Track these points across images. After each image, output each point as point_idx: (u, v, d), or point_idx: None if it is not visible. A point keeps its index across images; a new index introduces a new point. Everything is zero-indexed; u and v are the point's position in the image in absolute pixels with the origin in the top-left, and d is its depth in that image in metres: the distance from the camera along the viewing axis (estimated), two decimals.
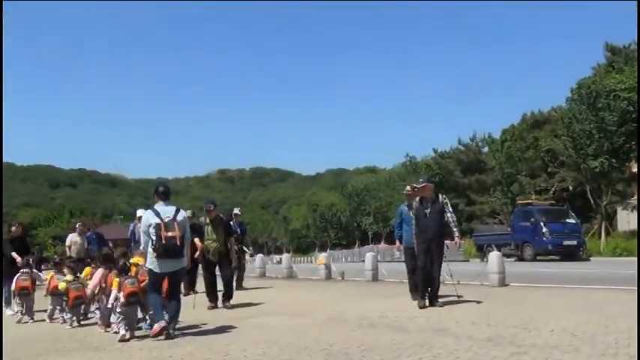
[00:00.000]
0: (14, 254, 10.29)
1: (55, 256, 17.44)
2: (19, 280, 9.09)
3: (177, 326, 6.78)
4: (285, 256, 19.56)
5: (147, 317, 7.08)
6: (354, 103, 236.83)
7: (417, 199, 8.23)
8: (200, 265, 10.32)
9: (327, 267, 15.94)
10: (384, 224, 61.43)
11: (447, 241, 8.43)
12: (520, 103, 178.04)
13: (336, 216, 76.03)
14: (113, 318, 7.03)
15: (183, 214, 6.78)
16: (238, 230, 12.48)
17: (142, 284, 6.86)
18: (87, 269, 8.52)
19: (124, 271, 7.06)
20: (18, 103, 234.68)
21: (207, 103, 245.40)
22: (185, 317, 7.89)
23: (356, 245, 60.89)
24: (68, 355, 5.89)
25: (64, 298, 8.19)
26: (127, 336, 6.56)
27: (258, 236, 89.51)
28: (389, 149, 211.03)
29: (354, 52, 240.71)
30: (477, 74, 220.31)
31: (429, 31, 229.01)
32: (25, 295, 9.10)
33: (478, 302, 8.41)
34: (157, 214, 6.58)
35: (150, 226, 6.55)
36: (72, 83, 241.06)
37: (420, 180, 8.61)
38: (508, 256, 22.32)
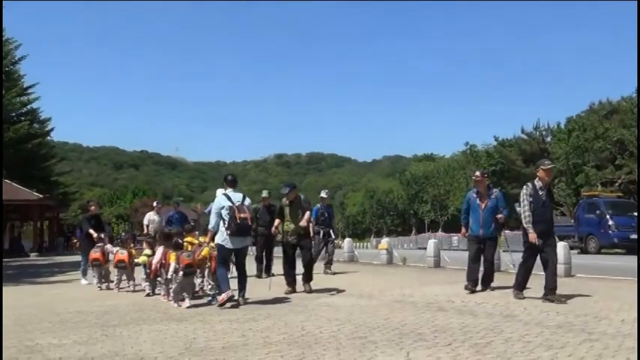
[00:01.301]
0: (91, 230, 11.52)
1: (122, 233, 18.40)
2: (92, 253, 10.60)
3: (253, 302, 7.16)
4: (346, 241, 19.82)
5: (209, 289, 8.40)
6: (412, 89, 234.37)
7: (536, 184, 7.46)
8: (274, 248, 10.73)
9: (389, 252, 16.12)
10: (442, 212, 61.01)
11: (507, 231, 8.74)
12: (586, 91, 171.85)
13: (393, 203, 75.84)
14: (172, 287, 7.88)
15: (249, 200, 7.81)
16: (326, 214, 12.60)
17: (199, 258, 8.09)
18: (190, 238, 9.21)
19: (179, 248, 7.96)
20: (90, 88, 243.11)
21: (265, 89, 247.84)
22: (261, 296, 8.32)
23: (412, 233, 60.71)
24: (154, 324, 6.32)
25: (147, 270, 9.05)
26: (188, 303, 7.56)
27: None
28: (448, 137, 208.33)
29: (414, 39, 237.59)
30: (541, 61, 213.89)
31: (492, 16, 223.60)
32: (97, 265, 10.53)
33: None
34: (229, 199, 7.52)
35: (222, 208, 7.49)
36: (139, 71, 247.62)
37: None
38: (571, 248, 21.89)
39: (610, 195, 27.01)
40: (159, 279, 8.75)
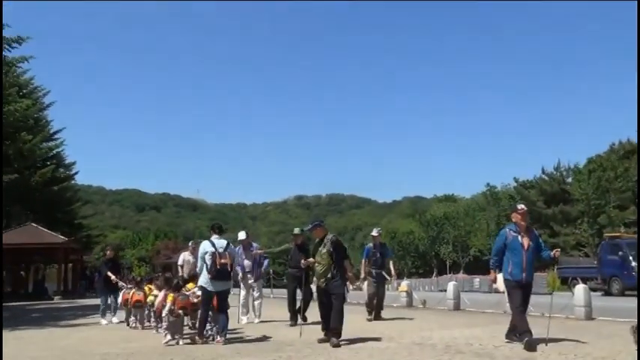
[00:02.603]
0: (109, 273, 12.67)
1: (138, 277, 19.17)
2: (134, 294, 11.32)
3: (278, 343, 7.28)
4: (366, 283, 19.73)
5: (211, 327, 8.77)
6: (431, 131, 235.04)
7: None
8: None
9: (409, 294, 16.11)
10: (463, 254, 60.50)
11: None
12: (606, 132, 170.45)
13: (414, 244, 75.35)
14: (164, 324, 8.90)
15: (232, 247, 8.63)
16: (378, 254, 11.63)
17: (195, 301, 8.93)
18: (191, 284, 9.65)
19: (177, 289, 8.96)
20: (112, 130, 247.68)
21: (284, 131, 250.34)
22: (281, 337, 8.45)
23: (434, 274, 60.14)
24: None
25: (153, 309, 10.21)
26: (172, 342, 8.34)
27: None
28: (468, 178, 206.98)
29: (433, 77, 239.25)
30: (560, 102, 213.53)
31: (512, 54, 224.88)
32: (139, 307, 11.23)
33: (564, 335, 8.44)
34: (213, 245, 8.28)
35: (206, 253, 8.24)
36: (159, 114, 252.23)
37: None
38: (594, 290, 21.66)
39: (633, 236, 26.72)
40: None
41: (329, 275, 7.88)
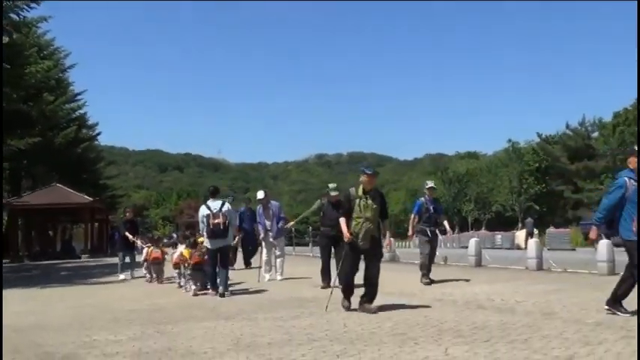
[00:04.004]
0: (127, 233, 13.59)
1: (174, 235, 19.87)
2: (153, 252, 12.33)
3: (291, 300, 7.38)
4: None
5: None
6: (451, 85, 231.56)
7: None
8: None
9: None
10: (485, 210, 60.32)
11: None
12: (634, 84, 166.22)
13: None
14: (182, 279, 10.44)
15: (227, 206, 9.21)
16: (431, 208, 10.18)
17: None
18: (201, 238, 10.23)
19: (194, 246, 9.95)
20: (134, 92, 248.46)
21: (304, 89, 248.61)
22: (303, 293, 8.58)
23: (455, 231, 60.15)
24: (202, 321, 6.62)
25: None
26: (196, 292, 9.42)
27: None
28: (490, 134, 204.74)
29: (455, 33, 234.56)
30: (585, 53, 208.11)
31: (535, 10, 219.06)
32: (157, 264, 12.24)
33: (587, 290, 8.44)
34: (208, 208, 9.05)
35: (203, 216, 8.99)
36: (179, 74, 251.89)
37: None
38: (617, 245, 21.50)
39: None
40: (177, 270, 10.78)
41: (375, 234, 6.88)
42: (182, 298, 9.23)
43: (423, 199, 10.34)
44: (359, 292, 7.00)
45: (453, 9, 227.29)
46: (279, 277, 11.26)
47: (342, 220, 6.85)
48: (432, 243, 10.26)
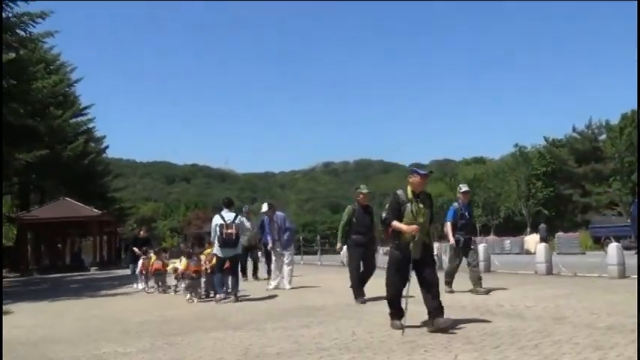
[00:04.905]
0: (135, 249, 14.76)
1: (181, 245, 20.27)
2: (154, 263, 12.86)
3: (300, 309, 7.38)
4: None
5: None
6: (457, 91, 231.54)
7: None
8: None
9: (439, 257, 16.09)
10: (493, 216, 60.04)
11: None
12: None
13: (444, 208, 75.00)
14: (181, 287, 11.25)
15: (240, 219, 10.05)
16: (466, 214, 9.54)
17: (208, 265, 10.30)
18: (208, 250, 10.84)
19: (190, 256, 10.71)
20: (141, 104, 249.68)
21: (310, 97, 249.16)
22: (311, 302, 8.57)
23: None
24: (212, 332, 6.61)
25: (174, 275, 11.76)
26: (193, 300, 10.04)
27: None
28: (496, 138, 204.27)
29: (459, 38, 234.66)
30: (592, 56, 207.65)
31: (541, 11, 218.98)
32: (160, 274, 12.77)
33: (597, 294, 8.38)
34: (222, 218, 9.59)
35: (217, 225, 9.55)
36: (185, 85, 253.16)
37: None
38: (628, 248, 21.41)
39: None
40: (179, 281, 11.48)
41: (427, 240, 6.11)
42: (191, 309, 9.24)
43: (456, 204, 9.66)
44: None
45: (455, 9, 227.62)
46: (287, 286, 11.26)
47: (396, 222, 5.98)
48: (467, 251, 9.56)
